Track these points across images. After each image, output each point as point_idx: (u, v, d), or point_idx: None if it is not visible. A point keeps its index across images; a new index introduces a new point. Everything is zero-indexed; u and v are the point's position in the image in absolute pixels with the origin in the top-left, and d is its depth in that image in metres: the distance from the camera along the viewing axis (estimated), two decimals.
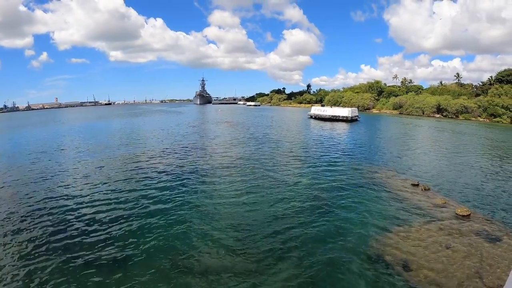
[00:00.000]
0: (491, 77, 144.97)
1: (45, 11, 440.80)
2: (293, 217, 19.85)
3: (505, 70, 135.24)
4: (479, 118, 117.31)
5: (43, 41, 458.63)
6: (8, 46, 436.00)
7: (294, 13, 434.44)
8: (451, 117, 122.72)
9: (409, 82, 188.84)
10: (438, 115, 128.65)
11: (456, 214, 20.11)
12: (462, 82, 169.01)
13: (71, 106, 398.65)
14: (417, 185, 26.56)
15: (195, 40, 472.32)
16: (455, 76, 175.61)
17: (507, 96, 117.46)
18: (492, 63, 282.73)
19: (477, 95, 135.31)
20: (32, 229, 18.55)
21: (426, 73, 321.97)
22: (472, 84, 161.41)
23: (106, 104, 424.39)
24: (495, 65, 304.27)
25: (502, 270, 13.85)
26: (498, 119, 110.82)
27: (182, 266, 14.42)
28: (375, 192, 24.94)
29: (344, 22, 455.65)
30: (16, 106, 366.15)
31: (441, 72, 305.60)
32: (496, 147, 51.69)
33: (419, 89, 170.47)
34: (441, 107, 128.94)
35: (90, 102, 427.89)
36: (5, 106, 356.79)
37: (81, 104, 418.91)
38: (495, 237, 17.09)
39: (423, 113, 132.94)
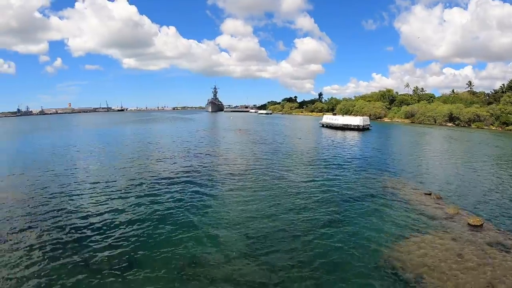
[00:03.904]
0: (503, 84, 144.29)
1: (60, 18, 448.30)
2: (304, 225, 19.99)
3: None
4: (491, 126, 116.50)
5: (57, 48, 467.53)
6: (23, 51, 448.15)
7: (305, 22, 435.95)
8: (463, 126, 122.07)
9: (421, 91, 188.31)
10: (450, 124, 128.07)
11: (468, 224, 19.95)
12: (474, 90, 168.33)
13: (84, 112, 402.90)
14: (429, 194, 26.46)
15: (208, 48, 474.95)
16: (467, 84, 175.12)
17: None
18: (503, 71, 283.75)
19: (489, 103, 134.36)
20: (42, 231, 19.19)
21: (437, 81, 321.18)
22: (484, 92, 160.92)
23: (118, 110, 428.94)
24: (507, 73, 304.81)
25: None
26: (510, 127, 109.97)
27: (190, 273, 14.54)
28: (387, 201, 24.94)
29: (355, 31, 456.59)
30: (30, 110, 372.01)
31: (453, 80, 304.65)
32: (508, 156, 51.45)
33: (431, 97, 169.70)
34: (453, 115, 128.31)
35: (103, 108, 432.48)
36: (18, 110, 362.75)
37: (94, 110, 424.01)
38: (508, 247, 17.03)
39: (435, 122, 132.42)
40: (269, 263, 15.35)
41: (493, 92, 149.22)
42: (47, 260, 15.69)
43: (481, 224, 19.87)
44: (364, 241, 17.82)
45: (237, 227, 19.74)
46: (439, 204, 24.20)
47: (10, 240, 18.01)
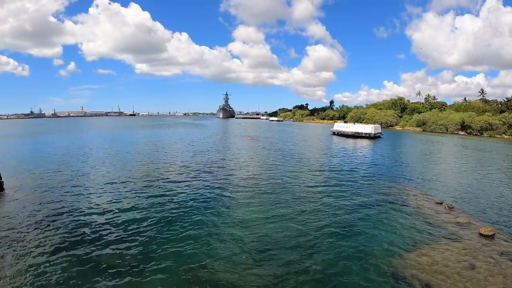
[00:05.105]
0: None
1: (75, 22, 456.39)
2: (313, 232, 19.95)
3: None
4: (504, 135, 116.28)
5: (71, 52, 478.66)
6: (37, 55, 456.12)
7: (317, 29, 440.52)
8: (475, 134, 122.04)
9: (433, 99, 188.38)
10: (462, 132, 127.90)
11: (480, 233, 19.78)
12: (486, 98, 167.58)
13: (96, 115, 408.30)
14: (441, 203, 26.36)
15: (220, 54, 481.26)
16: (479, 92, 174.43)
17: None
18: None
19: (502, 111, 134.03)
20: (53, 229, 19.58)
21: (449, 89, 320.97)
22: (496, 100, 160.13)
23: (130, 115, 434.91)
24: None
25: None
26: None
27: (198, 275, 14.63)
28: (397, 210, 24.76)
29: (366, 38, 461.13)
30: (43, 112, 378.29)
31: (465, 88, 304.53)
32: None
33: (443, 105, 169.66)
34: (465, 124, 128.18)
35: (115, 112, 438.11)
36: (31, 112, 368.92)
37: (106, 114, 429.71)
38: None
39: (447, 130, 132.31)
40: (276, 269, 15.40)
41: (506, 100, 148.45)
42: (56, 257, 16.02)
43: (493, 234, 19.71)
44: (374, 250, 17.78)
45: (246, 232, 19.85)
46: (450, 213, 24.11)
47: (21, 237, 18.39)
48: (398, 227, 21.36)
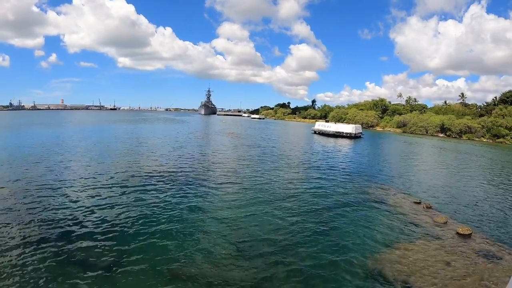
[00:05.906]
0: (495, 97, 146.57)
1: (58, 13, 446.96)
2: (292, 231, 19.63)
3: (509, 91, 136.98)
4: (482, 138, 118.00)
5: (53, 43, 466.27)
6: (18, 45, 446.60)
7: (301, 29, 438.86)
8: (455, 137, 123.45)
9: (414, 101, 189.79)
10: (441, 135, 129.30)
11: (457, 232, 20.10)
12: (466, 102, 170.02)
13: (77, 109, 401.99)
14: (419, 203, 26.49)
15: (203, 50, 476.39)
16: (459, 96, 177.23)
17: (511, 117, 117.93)
18: (496, 84, 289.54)
19: (481, 115, 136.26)
20: (27, 226, 18.72)
21: (430, 92, 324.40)
22: (476, 104, 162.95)
23: (111, 109, 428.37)
24: (499, 86, 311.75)
25: None
26: (501, 139, 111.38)
27: (177, 274, 14.33)
28: (376, 209, 24.71)
29: (350, 40, 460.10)
30: (22, 105, 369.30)
31: (446, 91, 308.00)
32: (499, 168, 52.80)
33: (424, 108, 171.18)
34: (445, 126, 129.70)
35: (95, 106, 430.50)
36: (10, 104, 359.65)
37: (87, 108, 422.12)
38: (496, 256, 17.16)
39: (427, 132, 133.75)
40: (254, 269, 15.08)
41: (485, 104, 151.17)
42: (32, 251, 15.59)
43: (470, 234, 20.05)
44: (352, 249, 17.57)
45: (224, 231, 19.39)
46: (428, 213, 24.26)
47: None
48: (375, 225, 21.32)
